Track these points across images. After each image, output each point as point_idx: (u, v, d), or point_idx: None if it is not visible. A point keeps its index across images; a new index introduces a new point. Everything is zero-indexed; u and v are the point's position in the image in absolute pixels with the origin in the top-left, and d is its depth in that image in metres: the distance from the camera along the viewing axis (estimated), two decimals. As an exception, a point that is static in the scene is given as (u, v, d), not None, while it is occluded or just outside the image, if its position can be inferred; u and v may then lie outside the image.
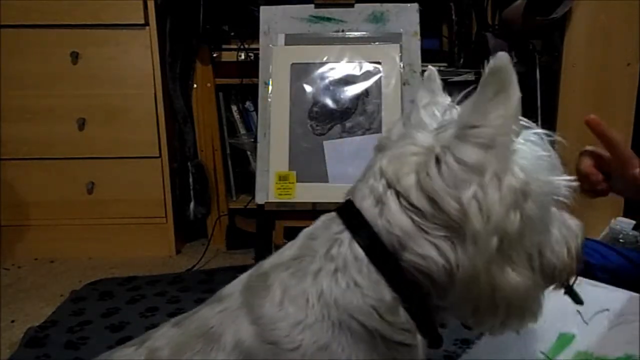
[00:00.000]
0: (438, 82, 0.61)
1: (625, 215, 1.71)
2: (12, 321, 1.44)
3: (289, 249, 0.57)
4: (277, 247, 1.83)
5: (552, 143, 0.57)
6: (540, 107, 1.71)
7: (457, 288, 0.51)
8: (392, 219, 0.51)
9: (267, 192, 1.62)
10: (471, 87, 0.51)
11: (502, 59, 0.47)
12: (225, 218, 2.02)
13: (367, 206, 0.53)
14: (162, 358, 0.54)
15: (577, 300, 0.64)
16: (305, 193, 1.60)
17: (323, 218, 0.59)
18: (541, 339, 0.78)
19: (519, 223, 0.49)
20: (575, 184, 0.56)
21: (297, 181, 1.61)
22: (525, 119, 0.53)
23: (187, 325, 0.56)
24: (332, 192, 1.60)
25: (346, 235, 0.53)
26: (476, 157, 0.48)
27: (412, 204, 0.50)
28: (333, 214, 0.57)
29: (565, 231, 0.57)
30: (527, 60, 1.75)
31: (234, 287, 0.57)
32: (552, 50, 1.79)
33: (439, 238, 0.50)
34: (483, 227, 0.48)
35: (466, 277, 0.50)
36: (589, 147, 0.91)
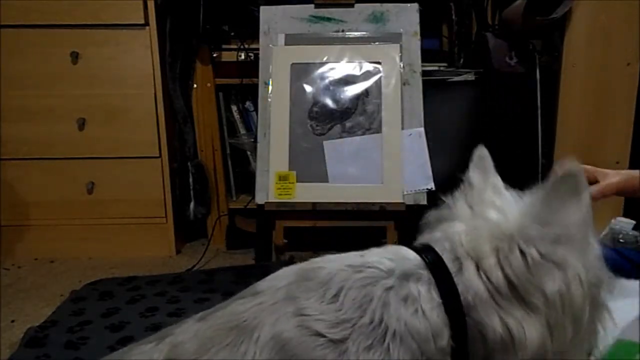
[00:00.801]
0: (489, 161, 0.66)
1: (625, 215, 1.71)
2: (12, 321, 1.44)
3: (357, 256, 0.59)
4: (277, 247, 1.83)
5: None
6: (540, 107, 1.71)
7: (515, 356, 0.54)
8: (468, 282, 0.55)
9: (267, 192, 1.62)
10: (539, 187, 0.56)
11: (574, 167, 0.53)
12: (225, 218, 2.02)
13: (446, 260, 0.57)
14: (186, 352, 0.53)
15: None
16: (305, 193, 1.60)
17: (395, 247, 0.61)
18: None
19: (589, 312, 0.54)
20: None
21: (297, 181, 1.61)
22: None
23: (215, 320, 0.55)
24: (332, 192, 1.61)
25: (427, 274, 0.56)
26: (559, 254, 0.53)
27: (490, 281, 0.54)
28: (406, 248, 0.60)
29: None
30: (527, 60, 1.75)
31: (274, 282, 0.57)
32: (552, 50, 1.79)
33: (507, 313, 0.54)
34: (563, 317, 0.53)
35: (531, 352, 0.53)
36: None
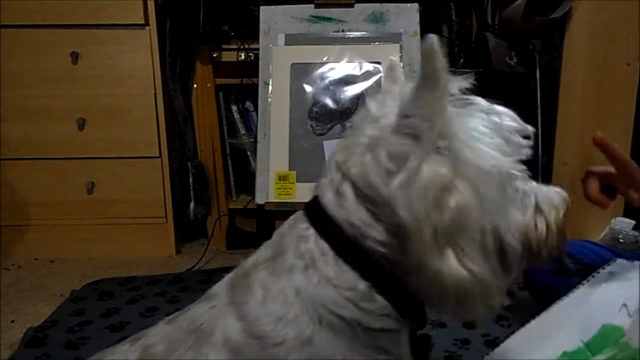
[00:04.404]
0: (399, 70, 0.61)
1: (625, 215, 1.71)
2: (12, 321, 1.44)
3: (264, 249, 0.58)
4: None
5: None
6: (540, 107, 1.71)
7: (411, 273, 0.51)
8: (349, 209, 0.52)
9: (267, 192, 1.62)
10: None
11: (431, 40, 0.45)
12: (225, 218, 2.02)
13: (328, 199, 0.54)
14: (156, 354, 0.55)
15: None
16: (305, 193, 1.58)
17: (292, 217, 0.59)
18: (583, 329, 0.77)
19: (451, 214, 0.48)
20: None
21: (297, 181, 1.61)
22: (473, 96, 0.55)
23: (180, 323, 0.57)
24: (332, 192, 1.60)
25: (311, 232, 0.54)
26: (401, 149, 0.48)
27: (362, 194, 0.51)
28: (301, 212, 0.59)
29: (534, 209, 0.56)
30: (527, 60, 1.75)
31: (220, 287, 0.58)
32: (552, 50, 1.78)
33: (392, 225, 0.50)
34: (409, 218, 0.48)
35: (412, 264, 0.50)
36: (593, 168, 0.89)
